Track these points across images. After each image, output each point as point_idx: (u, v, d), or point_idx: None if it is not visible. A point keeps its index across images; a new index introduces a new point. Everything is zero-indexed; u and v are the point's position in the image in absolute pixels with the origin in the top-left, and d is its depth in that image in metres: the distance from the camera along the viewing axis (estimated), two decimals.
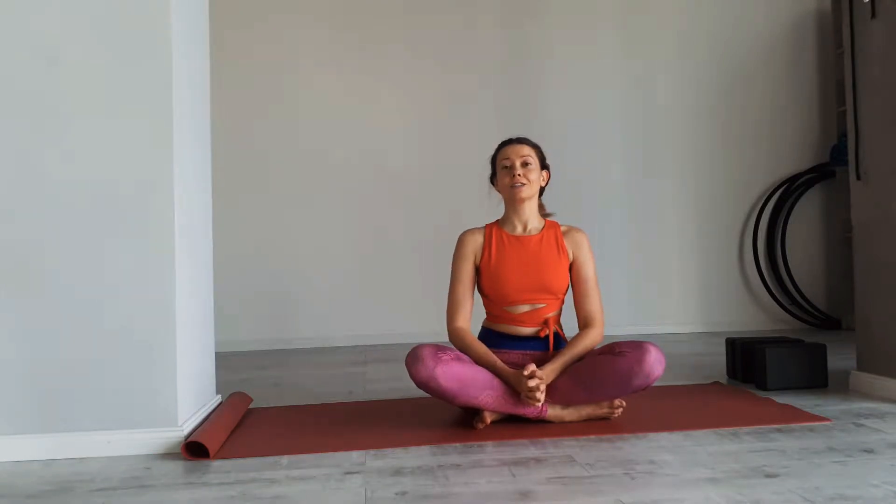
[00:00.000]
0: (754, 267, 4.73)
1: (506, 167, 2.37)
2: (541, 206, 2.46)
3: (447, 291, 2.39)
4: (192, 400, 2.20)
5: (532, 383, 2.11)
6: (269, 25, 4.50)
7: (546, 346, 2.32)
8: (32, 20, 2.03)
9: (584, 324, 2.35)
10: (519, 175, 2.34)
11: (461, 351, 2.26)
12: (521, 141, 2.41)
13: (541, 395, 2.12)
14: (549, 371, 2.19)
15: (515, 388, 2.16)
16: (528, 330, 2.34)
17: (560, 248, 2.36)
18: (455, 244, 2.41)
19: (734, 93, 4.77)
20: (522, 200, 2.36)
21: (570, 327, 2.41)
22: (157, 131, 2.06)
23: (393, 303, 4.49)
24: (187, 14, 2.26)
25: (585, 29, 4.69)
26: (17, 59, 2.03)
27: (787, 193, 4.75)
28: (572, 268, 2.38)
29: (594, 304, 2.36)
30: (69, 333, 2.02)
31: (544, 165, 2.43)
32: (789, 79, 4.82)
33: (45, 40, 2.04)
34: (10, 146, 2.02)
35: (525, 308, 2.33)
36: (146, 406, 2.04)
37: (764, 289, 4.74)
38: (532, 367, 2.14)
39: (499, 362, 2.22)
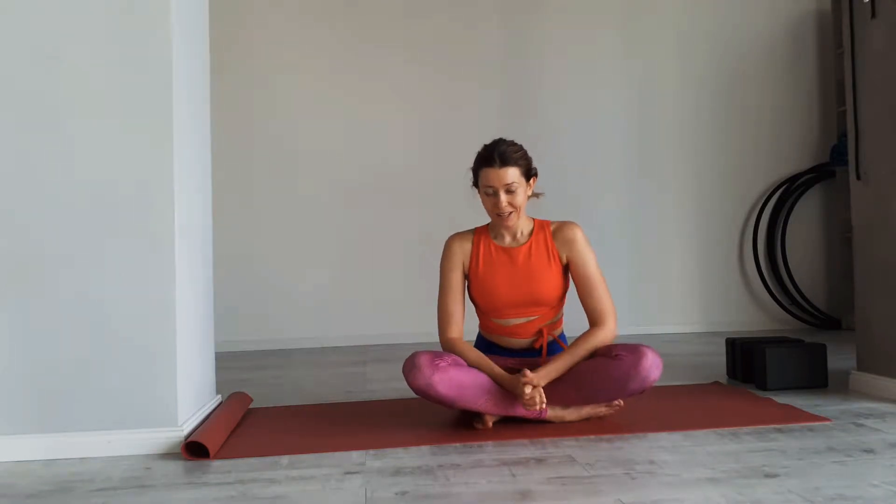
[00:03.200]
0: (754, 267, 4.73)
1: (488, 194, 2.22)
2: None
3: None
4: (191, 400, 2.20)
5: (527, 391, 2.07)
6: (269, 25, 4.50)
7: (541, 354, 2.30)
8: (32, 20, 2.03)
9: (594, 322, 2.26)
10: (504, 205, 2.20)
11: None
12: (505, 162, 2.18)
13: (538, 401, 2.07)
14: (543, 374, 2.12)
15: (514, 393, 2.14)
16: (522, 342, 2.31)
17: (551, 254, 2.27)
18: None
19: (734, 93, 4.77)
20: (510, 226, 2.26)
21: (572, 327, 2.42)
22: (157, 131, 2.06)
23: (393, 303, 4.49)
24: (187, 14, 2.26)
25: (585, 29, 4.69)
26: (17, 59, 2.03)
27: (787, 193, 4.74)
28: (570, 267, 2.29)
29: (601, 300, 2.25)
30: (69, 333, 2.02)
31: (531, 175, 2.26)
32: (789, 79, 4.82)
33: (45, 40, 2.03)
34: (10, 146, 2.02)
35: (517, 321, 2.29)
36: (146, 406, 2.04)
37: (764, 289, 4.74)
38: (525, 372, 2.09)
39: (496, 368, 2.18)
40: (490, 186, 2.21)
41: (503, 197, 2.20)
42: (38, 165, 2.03)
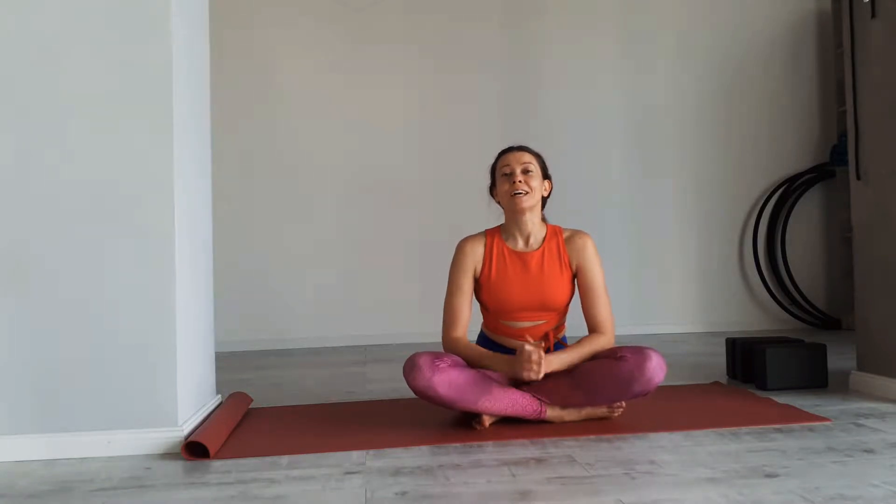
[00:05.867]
0: (754, 267, 4.73)
1: (506, 174, 2.28)
2: (543, 219, 2.38)
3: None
4: (191, 400, 2.19)
5: (529, 348, 2.06)
6: (269, 25, 4.50)
7: None
8: (33, 20, 2.03)
9: (593, 331, 2.29)
10: (520, 182, 2.25)
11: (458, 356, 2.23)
12: (522, 148, 2.34)
13: (538, 367, 2.06)
14: (555, 359, 2.14)
15: (515, 374, 2.13)
16: None
17: (563, 261, 2.29)
18: (454, 248, 2.35)
19: (734, 92, 4.77)
20: (524, 211, 2.26)
21: (573, 326, 2.42)
22: (157, 131, 2.06)
23: (393, 303, 4.49)
24: (187, 14, 2.26)
25: (585, 29, 4.69)
26: (17, 59, 2.03)
27: (787, 193, 4.74)
28: (577, 276, 2.31)
29: (603, 313, 2.28)
30: (69, 333, 2.02)
31: (546, 175, 2.35)
32: (789, 79, 4.82)
33: (45, 40, 2.03)
34: (10, 146, 2.02)
35: (525, 324, 2.29)
36: (146, 406, 2.04)
37: (764, 289, 4.74)
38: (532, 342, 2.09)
39: (498, 355, 2.20)
40: (507, 166, 2.30)
41: (519, 175, 2.26)
42: (38, 165, 2.03)
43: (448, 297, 2.32)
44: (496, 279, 2.28)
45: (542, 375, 2.11)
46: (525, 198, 2.25)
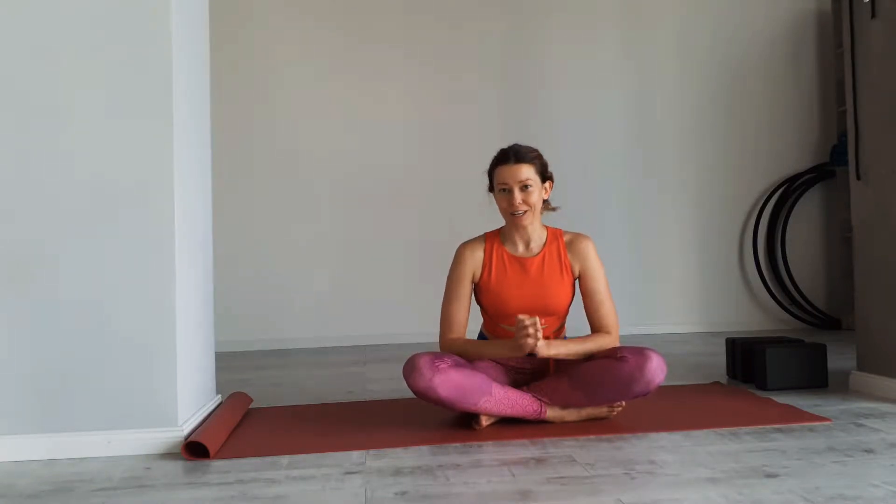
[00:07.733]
0: (754, 267, 4.73)
1: (503, 191, 2.24)
2: (546, 203, 2.34)
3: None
4: (191, 400, 2.19)
5: (528, 321, 2.06)
6: (269, 25, 4.50)
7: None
8: (33, 20, 2.03)
9: (598, 332, 2.28)
10: (518, 203, 2.21)
11: (458, 355, 2.22)
12: (520, 160, 2.22)
13: (533, 335, 2.06)
14: (560, 345, 2.15)
15: (515, 349, 2.13)
16: None
17: (563, 265, 2.27)
18: (454, 250, 2.34)
19: (734, 92, 4.77)
20: (525, 226, 2.25)
21: (573, 327, 2.42)
22: (157, 131, 2.06)
23: (393, 303, 4.49)
24: (187, 14, 2.26)
25: (585, 29, 4.69)
26: (17, 59, 2.03)
27: (787, 193, 4.74)
28: (580, 280, 2.30)
29: (607, 317, 2.27)
30: (69, 333, 2.02)
31: (546, 177, 2.29)
32: (789, 79, 4.82)
33: (45, 40, 2.03)
34: (11, 146, 2.02)
35: None
36: (146, 406, 2.04)
37: (764, 289, 4.73)
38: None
39: (496, 340, 2.22)
40: (504, 183, 2.23)
41: (517, 194, 2.22)
42: (37, 165, 2.03)
43: (445, 301, 2.32)
44: (496, 284, 2.28)
45: (541, 349, 2.10)
46: (525, 216, 2.23)
